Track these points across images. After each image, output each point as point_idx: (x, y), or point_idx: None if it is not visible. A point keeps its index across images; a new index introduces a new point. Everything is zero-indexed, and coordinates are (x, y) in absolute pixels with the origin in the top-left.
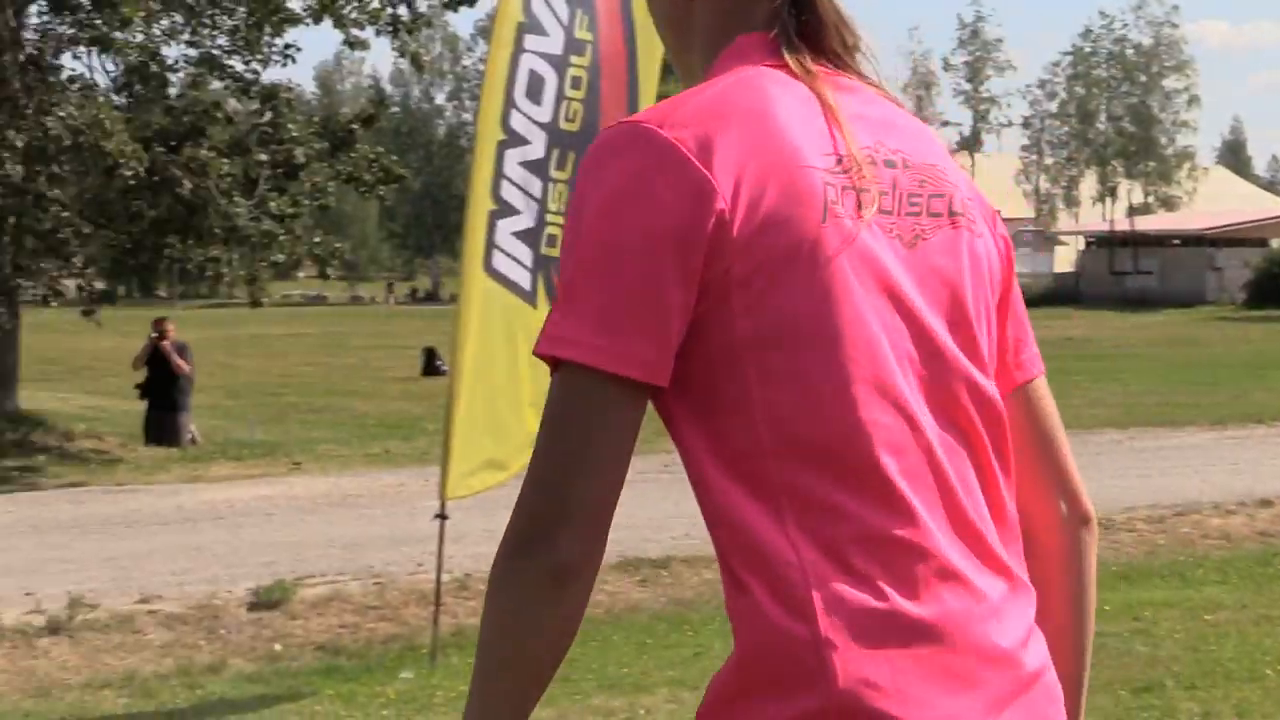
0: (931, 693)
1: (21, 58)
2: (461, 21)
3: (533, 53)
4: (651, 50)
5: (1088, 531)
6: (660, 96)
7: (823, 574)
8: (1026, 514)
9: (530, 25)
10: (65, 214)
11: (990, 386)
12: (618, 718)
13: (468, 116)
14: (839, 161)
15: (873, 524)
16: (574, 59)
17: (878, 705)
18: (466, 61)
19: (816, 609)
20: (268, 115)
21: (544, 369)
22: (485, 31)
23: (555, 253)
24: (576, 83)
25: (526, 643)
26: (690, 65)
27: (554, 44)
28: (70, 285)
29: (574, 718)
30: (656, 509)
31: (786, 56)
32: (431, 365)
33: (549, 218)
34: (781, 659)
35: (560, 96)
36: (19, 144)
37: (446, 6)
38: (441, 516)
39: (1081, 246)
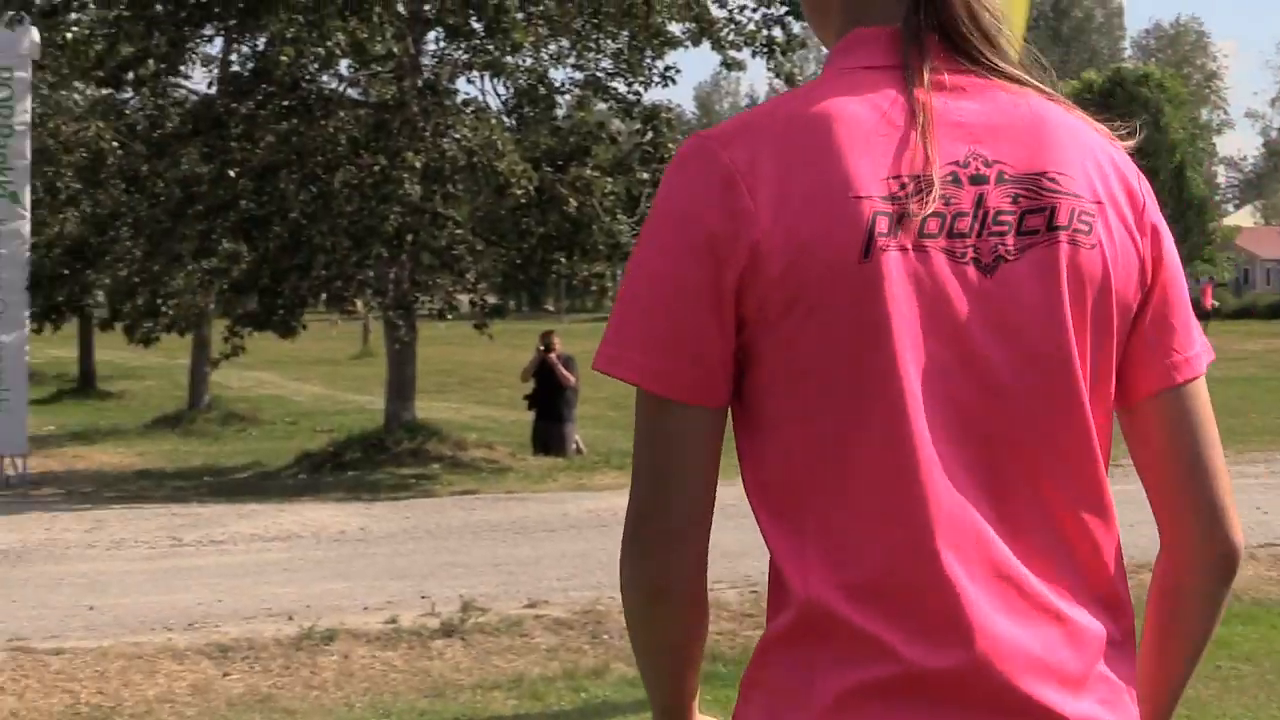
0: None
1: (420, 83)
2: None
3: None
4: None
5: (1223, 573)
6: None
7: (828, 615)
8: (1163, 543)
9: None
10: (459, 231)
11: (1078, 416)
12: None
13: None
14: (904, 186)
15: (885, 571)
16: None
17: None
18: None
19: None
20: (649, 135)
21: None
22: None
23: None
24: None
25: (649, 639)
26: (828, 48)
27: None
28: (464, 300)
29: None
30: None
31: (905, 54)
32: None
33: None
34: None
35: None
36: (417, 165)
37: None
38: None
39: None
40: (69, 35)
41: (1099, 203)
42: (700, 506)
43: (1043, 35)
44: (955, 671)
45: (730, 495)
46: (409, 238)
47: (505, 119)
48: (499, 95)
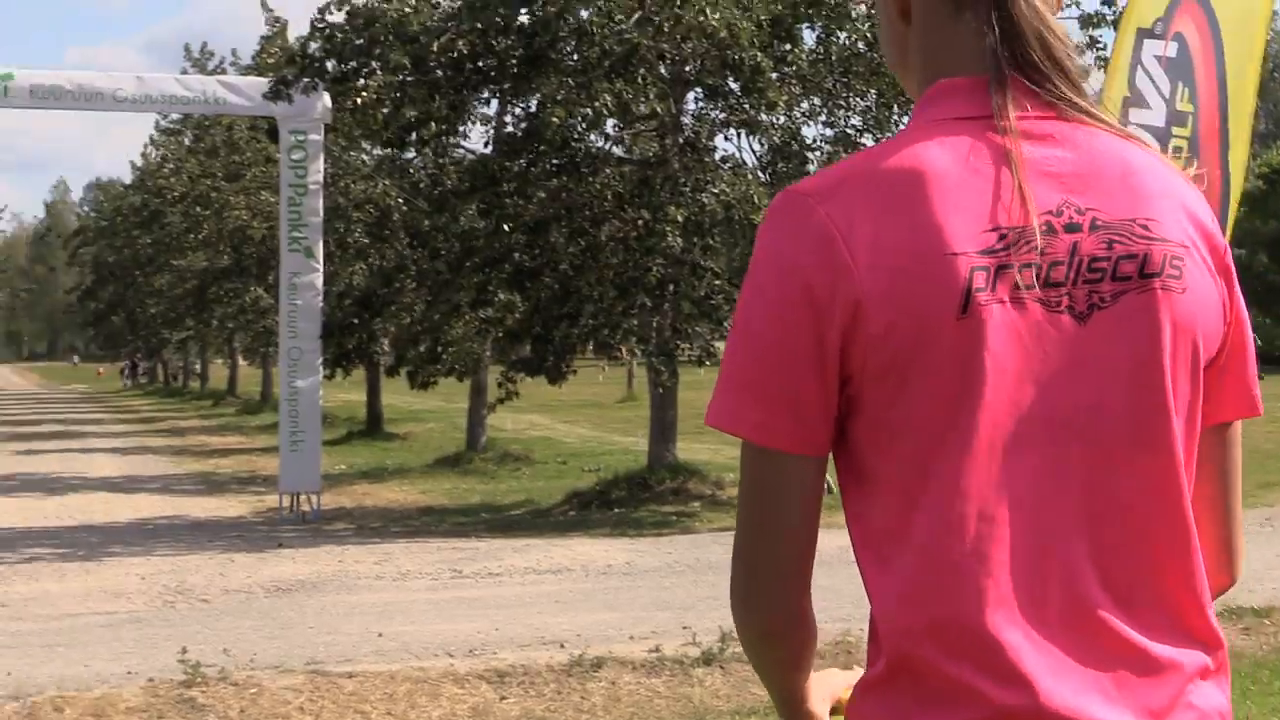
0: None
1: (680, 140)
2: None
3: (1136, 124)
4: (1241, 108)
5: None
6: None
7: (918, 659)
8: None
9: (1134, 100)
10: (718, 281)
11: (1170, 460)
12: None
13: None
14: (1001, 238)
15: (962, 614)
16: (1175, 130)
17: None
18: None
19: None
20: None
21: None
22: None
23: None
24: (1177, 151)
25: (762, 664)
26: (912, 98)
27: (1156, 116)
28: (720, 347)
29: None
30: (1259, 559)
31: (992, 103)
32: None
33: None
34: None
35: None
36: (679, 218)
37: None
38: None
39: None
40: (358, 100)
41: (1186, 246)
42: (803, 554)
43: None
44: (1028, 709)
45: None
46: (671, 288)
47: (760, 174)
48: (754, 151)
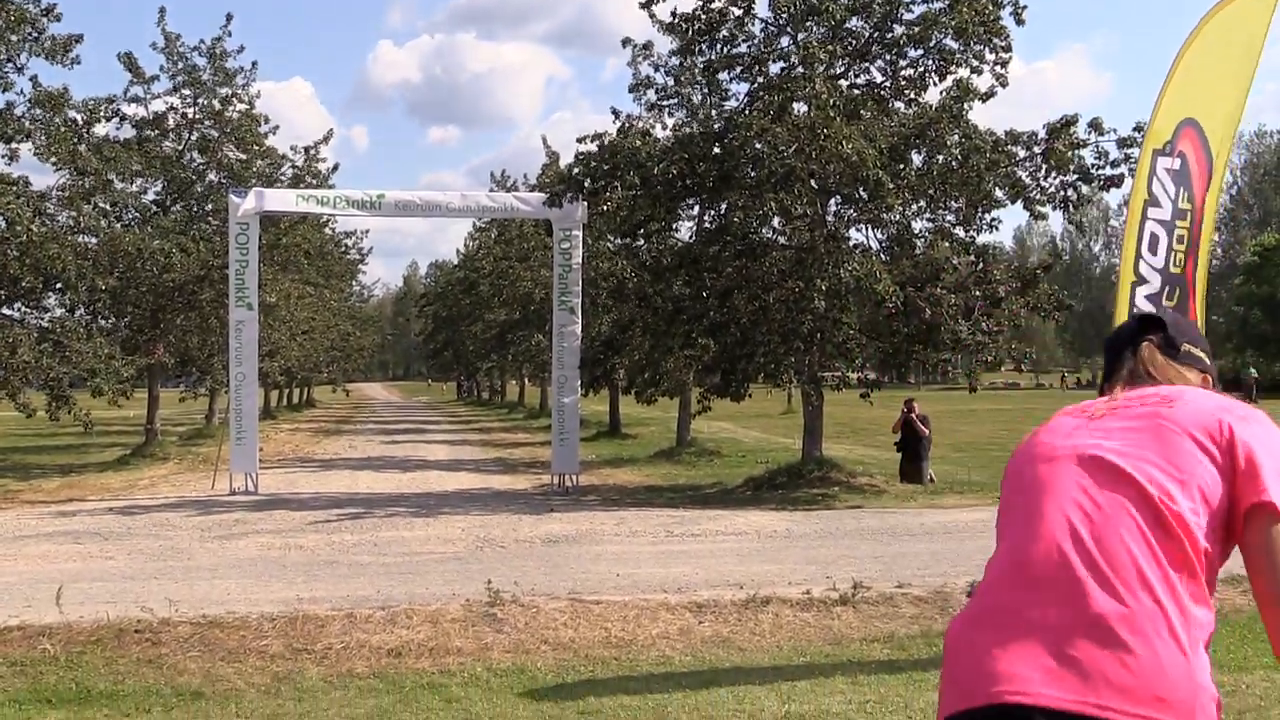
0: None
1: (825, 232)
2: (1111, 196)
3: (1152, 220)
4: (1211, 208)
5: None
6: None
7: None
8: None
9: (1151, 201)
10: (851, 332)
11: (1173, 510)
12: (1224, 689)
13: (1115, 262)
14: (1079, 415)
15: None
16: (1179, 223)
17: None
18: (1114, 223)
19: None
20: (979, 265)
21: None
22: (1124, 205)
23: None
24: (1180, 239)
25: None
26: None
27: (1165, 213)
28: (853, 377)
29: None
30: None
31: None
32: None
33: None
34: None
35: (1170, 249)
36: (823, 288)
37: (1101, 189)
38: None
39: None
40: (605, 207)
41: (1186, 399)
42: None
43: None
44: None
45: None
46: (818, 336)
47: (881, 255)
48: (877, 239)
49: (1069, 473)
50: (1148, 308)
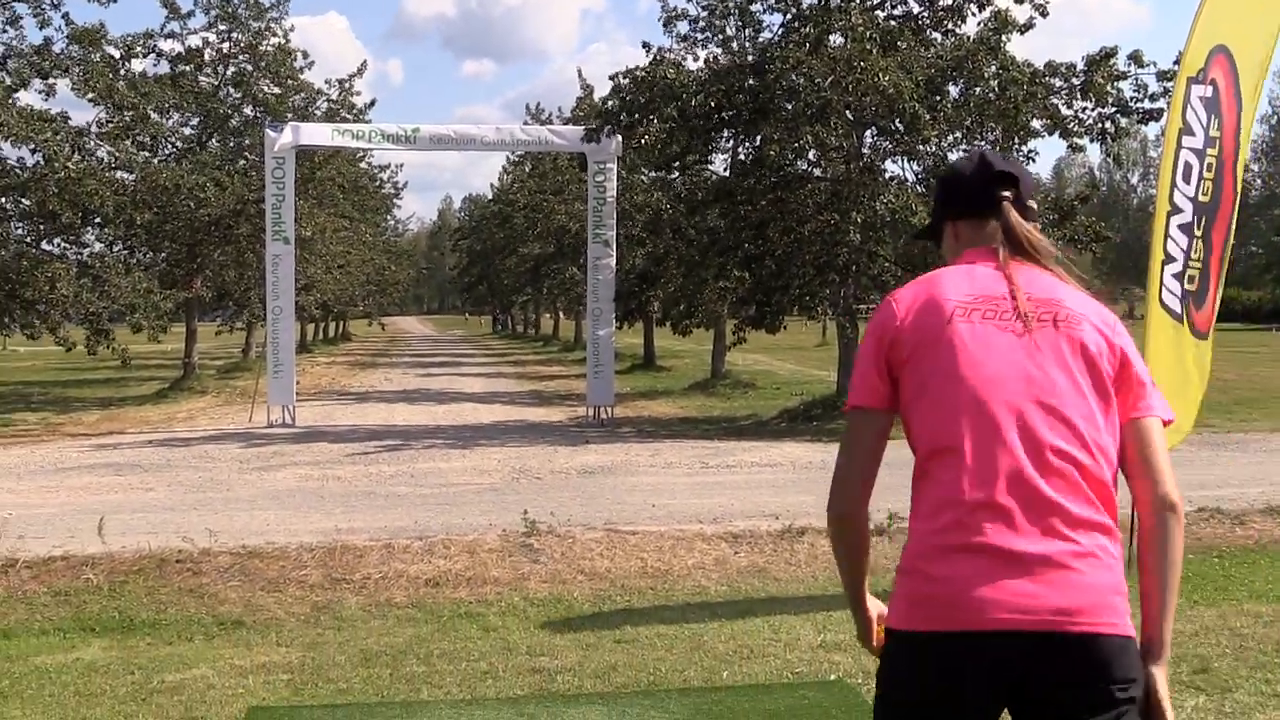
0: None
1: (860, 165)
2: (1150, 128)
3: (1186, 148)
4: (1245, 138)
5: (1173, 516)
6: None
7: (913, 541)
8: (1135, 500)
9: (1186, 129)
10: (887, 264)
11: (1090, 400)
12: (1264, 618)
13: (1152, 193)
14: (974, 296)
15: (938, 513)
16: (1209, 151)
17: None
18: (1152, 154)
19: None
20: None
21: (1204, 368)
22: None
23: (1193, 288)
24: (1209, 167)
25: (839, 547)
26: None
27: (1198, 141)
28: None
29: (1232, 618)
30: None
31: (1000, 256)
32: None
33: (1190, 264)
34: (904, 578)
35: (1200, 178)
36: (858, 220)
37: (1139, 122)
38: None
39: None
40: (641, 141)
41: (1081, 315)
42: (865, 470)
43: None
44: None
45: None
46: (853, 269)
47: (917, 188)
48: (913, 171)
49: (1023, 412)
50: (1181, 238)
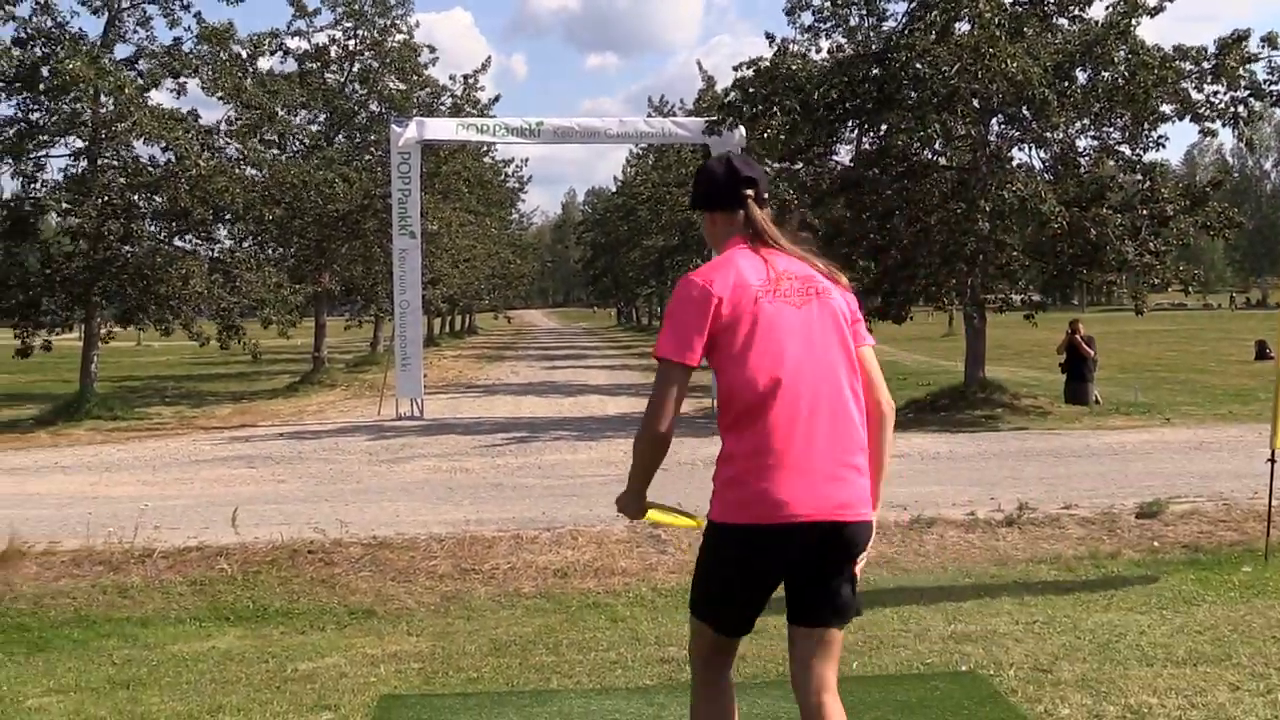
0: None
1: (987, 153)
2: None
3: None
4: None
5: (889, 415)
6: None
7: (739, 461)
8: (867, 406)
9: None
10: (1015, 253)
11: (849, 353)
12: None
13: None
14: (767, 280)
15: (760, 440)
16: None
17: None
18: None
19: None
20: (1146, 184)
21: None
22: None
23: None
24: None
25: (647, 459)
26: (716, 251)
27: None
28: (1016, 299)
29: None
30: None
31: (753, 246)
32: (1262, 353)
33: None
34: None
35: None
36: (986, 209)
37: (1274, 105)
38: (1271, 460)
39: None
40: (764, 134)
41: (830, 287)
42: (678, 407)
43: None
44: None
45: (1207, 436)
46: (980, 258)
47: (1045, 175)
48: (1041, 159)
49: (814, 369)
50: None
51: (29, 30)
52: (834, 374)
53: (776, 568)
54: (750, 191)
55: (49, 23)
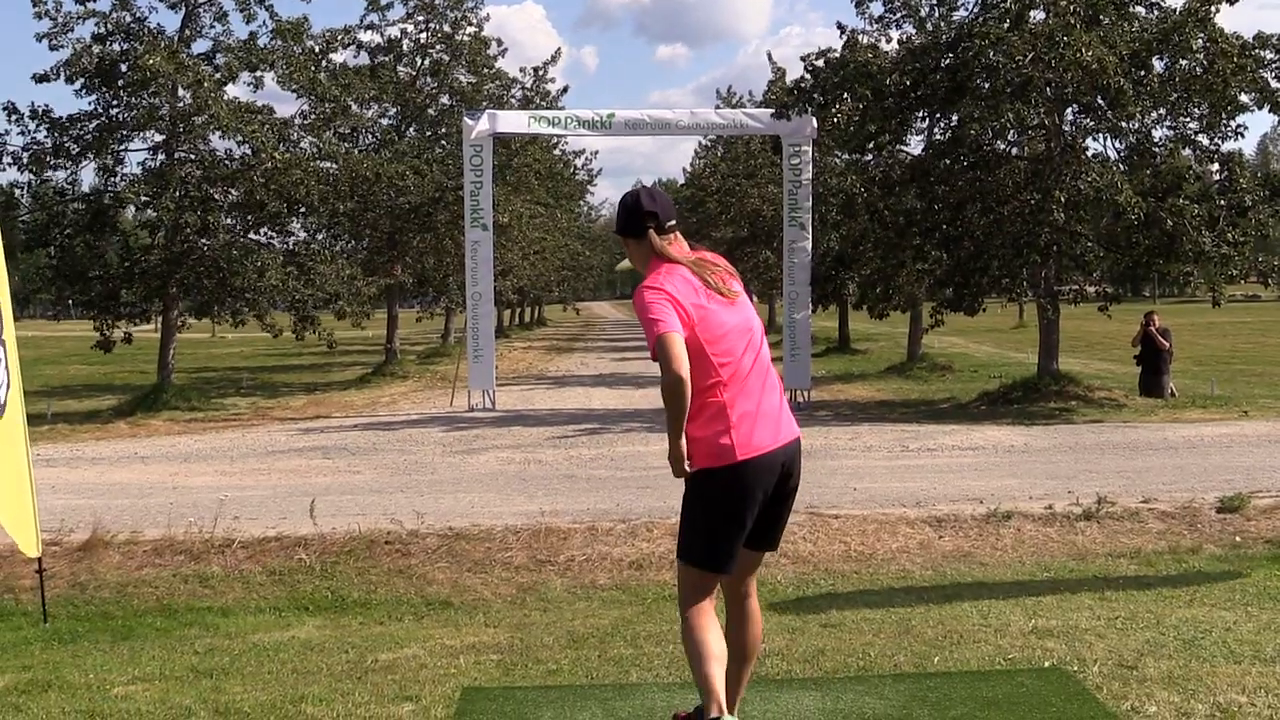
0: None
1: (1062, 143)
2: None
3: None
4: None
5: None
6: None
7: (711, 420)
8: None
9: None
10: (1089, 244)
11: (764, 342)
12: None
13: None
14: (705, 285)
15: (723, 399)
16: None
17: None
18: None
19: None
20: (1224, 174)
21: None
22: None
23: None
24: None
25: (675, 412)
26: (644, 274)
27: None
28: (1090, 290)
29: None
30: None
31: (680, 266)
32: None
33: None
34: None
35: None
36: (1061, 199)
37: None
38: None
39: None
40: (835, 121)
41: (739, 286)
42: (685, 360)
43: None
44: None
45: None
46: (1054, 249)
47: (1120, 165)
48: (1116, 149)
49: (752, 351)
50: None
51: (108, 26)
52: (762, 353)
53: (760, 495)
54: (651, 225)
55: (128, 18)
